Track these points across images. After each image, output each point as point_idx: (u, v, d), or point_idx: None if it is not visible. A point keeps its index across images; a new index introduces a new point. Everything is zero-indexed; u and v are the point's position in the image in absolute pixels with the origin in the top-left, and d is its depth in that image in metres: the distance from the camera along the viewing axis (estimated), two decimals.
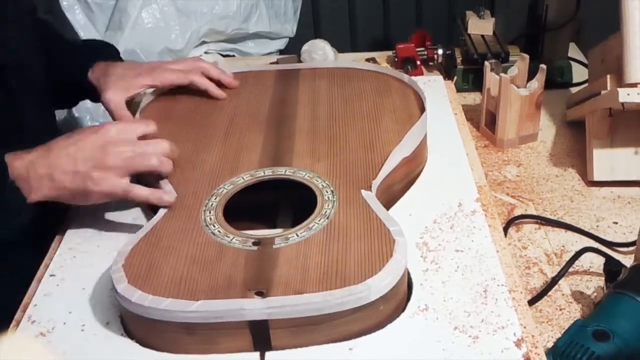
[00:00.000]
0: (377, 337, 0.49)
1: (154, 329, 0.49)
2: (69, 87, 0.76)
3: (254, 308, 0.47)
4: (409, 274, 0.54)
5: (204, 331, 0.48)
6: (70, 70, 0.75)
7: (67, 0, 1.04)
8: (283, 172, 0.62)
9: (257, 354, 0.49)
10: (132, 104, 0.77)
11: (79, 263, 0.58)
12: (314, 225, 0.55)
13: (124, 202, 0.65)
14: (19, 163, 0.57)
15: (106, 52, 0.80)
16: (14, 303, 0.55)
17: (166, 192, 0.60)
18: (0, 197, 0.56)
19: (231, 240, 0.54)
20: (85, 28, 1.05)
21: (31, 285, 0.57)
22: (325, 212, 0.56)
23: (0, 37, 0.66)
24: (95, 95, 0.74)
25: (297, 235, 0.54)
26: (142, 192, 0.59)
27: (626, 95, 0.75)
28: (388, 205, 0.61)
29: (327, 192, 0.59)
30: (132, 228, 0.61)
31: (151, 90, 0.76)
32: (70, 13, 1.04)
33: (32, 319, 0.53)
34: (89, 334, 0.51)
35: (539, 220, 0.78)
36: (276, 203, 0.66)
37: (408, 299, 0.53)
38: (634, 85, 0.76)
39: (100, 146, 0.58)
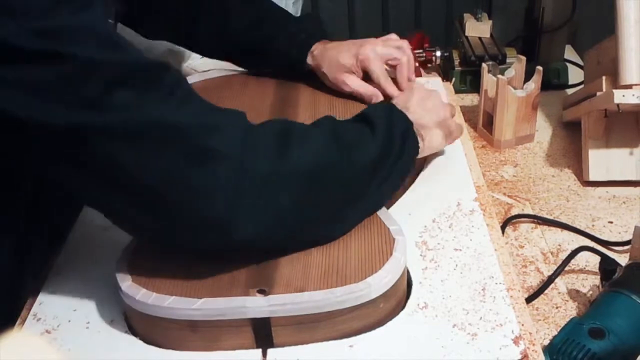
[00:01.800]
0: (377, 334, 0.50)
1: (158, 326, 0.49)
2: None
3: (256, 306, 0.48)
4: (408, 272, 0.55)
5: (206, 328, 0.49)
6: (283, 50, 0.75)
7: None
8: None
9: (259, 351, 0.49)
10: None
11: (83, 262, 0.59)
12: None
13: None
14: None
15: (318, 31, 0.78)
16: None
17: None
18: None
19: None
20: None
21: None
22: None
23: None
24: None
25: None
26: None
27: (621, 97, 0.76)
28: (388, 204, 0.62)
29: None
30: None
31: None
32: None
33: (37, 316, 0.53)
34: (94, 331, 0.52)
35: (535, 220, 0.79)
36: None
37: (407, 297, 0.53)
38: (629, 86, 0.77)
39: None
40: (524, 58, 0.92)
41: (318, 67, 0.75)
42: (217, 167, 0.45)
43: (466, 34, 1.09)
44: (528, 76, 0.91)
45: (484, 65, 0.93)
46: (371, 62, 0.73)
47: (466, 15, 1.12)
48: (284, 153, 0.48)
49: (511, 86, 0.89)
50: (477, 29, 1.09)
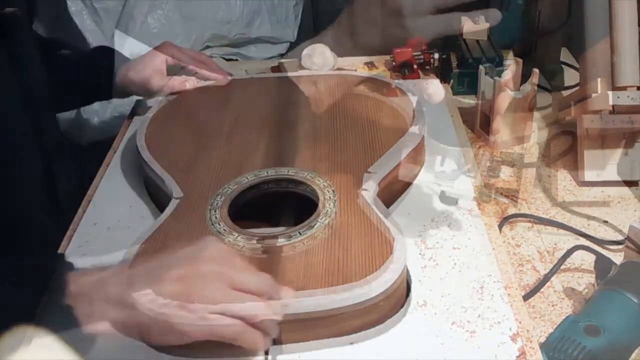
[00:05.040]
0: (378, 331, 0.51)
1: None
2: (83, 90, 0.79)
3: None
4: (407, 270, 0.56)
5: None
6: (91, 74, 0.79)
7: (75, 6, 1.06)
8: (286, 172, 0.64)
9: None
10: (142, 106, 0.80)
11: (88, 261, 0.58)
12: (316, 223, 0.56)
13: (131, 201, 0.67)
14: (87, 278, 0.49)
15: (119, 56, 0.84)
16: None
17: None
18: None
19: (236, 238, 0.55)
20: (92, 33, 1.07)
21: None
22: (327, 211, 0.58)
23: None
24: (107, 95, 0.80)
25: (300, 234, 0.55)
26: None
27: (616, 98, 0.77)
28: (387, 204, 0.63)
29: (328, 191, 0.60)
30: (140, 227, 0.62)
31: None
32: (79, 18, 1.06)
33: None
34: None
35: (532, 219, 0.80)
36: (279, 202, 0.67)
37: (407, 295, 0.54)
38: (623, 88, 0.78)
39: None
40: (520, 60, 0.93)
41: (132, 83, 0.79)
42: None
43: (464, 37, 1.10)
44: (524, 78, 0.92)
45: (481, 67, 0.94)
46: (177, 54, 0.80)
47: (464, 19, 1.13)
48: None
49: (508, 88, 0.90)
50: (475, 32, 1.10)
